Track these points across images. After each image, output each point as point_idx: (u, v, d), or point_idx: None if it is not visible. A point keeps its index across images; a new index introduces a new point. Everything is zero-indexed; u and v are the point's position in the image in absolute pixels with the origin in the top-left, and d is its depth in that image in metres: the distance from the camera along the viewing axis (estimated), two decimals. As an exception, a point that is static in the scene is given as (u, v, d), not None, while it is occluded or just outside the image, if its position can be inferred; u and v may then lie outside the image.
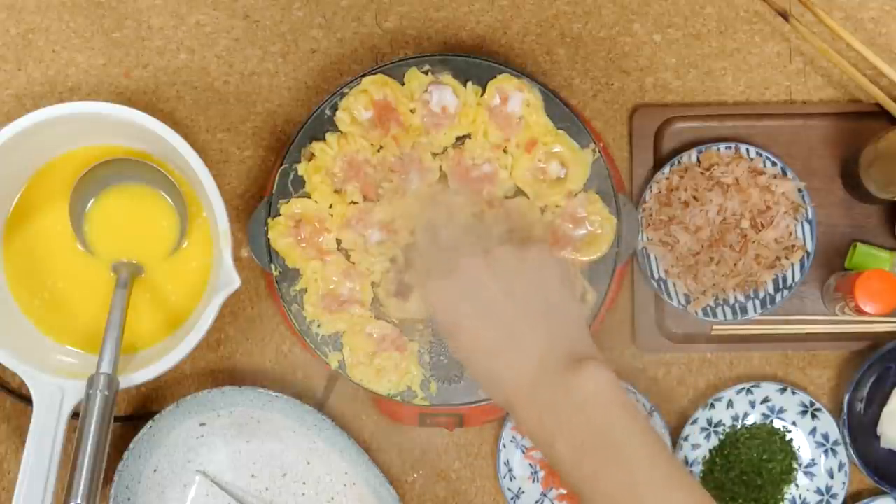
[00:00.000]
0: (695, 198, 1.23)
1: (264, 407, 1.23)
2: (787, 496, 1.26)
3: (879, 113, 1.26)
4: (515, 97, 1.15)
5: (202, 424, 1.23)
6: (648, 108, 1.28)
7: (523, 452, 1.26)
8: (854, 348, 1.27)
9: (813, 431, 1.26)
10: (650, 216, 1.24)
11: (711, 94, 1.29)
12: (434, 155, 1.16)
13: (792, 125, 1.27)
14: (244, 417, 1.23)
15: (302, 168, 1.16)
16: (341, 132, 1.16)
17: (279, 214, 1.16)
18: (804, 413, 1.26)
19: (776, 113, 1.28)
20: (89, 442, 1.08)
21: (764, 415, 1.26)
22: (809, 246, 1.23)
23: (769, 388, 1.25)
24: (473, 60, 1.16)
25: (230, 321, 1.27)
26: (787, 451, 1.26)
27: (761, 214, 1.22)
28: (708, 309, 1.24)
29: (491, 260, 0.94)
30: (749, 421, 1.26)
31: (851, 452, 1.23)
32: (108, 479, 1.20)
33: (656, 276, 1.24)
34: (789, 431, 1.26)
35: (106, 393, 1.10)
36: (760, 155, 1.23)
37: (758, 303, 1.24)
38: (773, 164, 1.23)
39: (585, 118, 1.22)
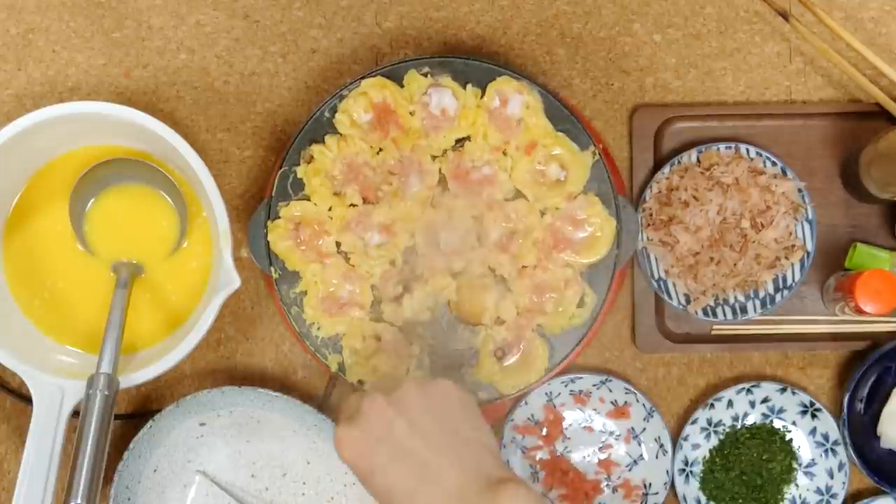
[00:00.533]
0: (695, 198, 1.23)
1: (264, 407, 1.23)
2: (787, 496, 1.27)
3: (879, 113, 1.26)
4: (515, 99, 1.15)
5: (202, 424, 1.23)
6: (648, 108, 1.28)
7: (523, 453, 1.26)
8: (854, 348, 1.27)
9: (813, 431, 1.26)
10: (650, 216, 1.24)
11: (711, 94, 1.29)
12: (434, 157, 1.16)
13: (792, 125, 1.27)
14: (244, 417, 1.24)
15: (301, 171, 1.16)
16: (341, 135, 1.16)
17: (279, 217, 1.16)
18: (804, 413, 1.26)
19: (776, 113, 1.27)
20: (89, 442, 1.08)
21: (764, 415, 1.26)
22: (809, 246, 1.23)
23: (769, 388, 1.25)
24: (473, 62, 1.16)
25: (230, 321, 1.28)
26: (787, 451, 1.26)
27: (761, 214, 1.22)
28: (708, 309, 1.24)
29: (394, 399, 0.95)
30: (749, 421, 1.26)
31: (851, 452, 1.23)
32: (108, 479, 1.20)
33: (656, 276, 1.24)
34: (789, 431, 1.26)
35: (106, 393, 1.10)
36: (760, 155, 1.23)
37: (758, 303, 1.24)
38: (773, 164, 1.23)
39: (585, 119, 1.22)
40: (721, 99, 1.29)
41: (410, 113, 1.16)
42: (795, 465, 1.27)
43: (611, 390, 1.26)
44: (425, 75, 1.16)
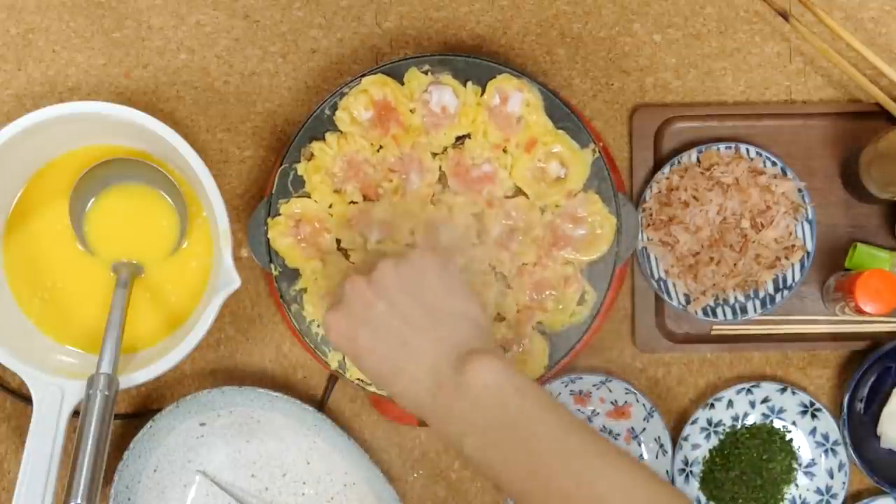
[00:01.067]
0: (695, 198, 1.23)
1: (264, 407, 1.23)
2: (787, 496, 1.26)
3: (879, 113, 1.26)
4: (515, 97, 1.15)
5: (202, 424, 1.23)
6: (648, 108, 1.28)
7: (523, 452, 1.26)
8: (854, 348, 1.27)
9: (813, 431, 1.26)
10: (650, 216, 1.24)
11: (711, 94, 1.29)
12: (434, 155, 1.16)
13: (792, 125, 1.27)
14: (244, 417, 1.23)
15: (301, 168, 1.16)
16: (341, 132, 1.16)
17: (279, 214, 1.16)
18: (804, 413, 1.26)
19: (776, 113, 1.28)
20: (89, 442, 1.08)
21: (764, 415, 1.26)
22: (809, 246, 1.24)
23: (769, 388, 1.25)
24: (473, 60, 1.16)
25: (230, 321, 1.28)
26: (787, 451, 1.26)
27: (761, 214, 1.22)
28: (708, 309, 1.24)
29: (372, 279, 0.98)
30: (749, 421, 1.26)
31: (851, 452, 1.23)
32: (108, 479, 1.20)
33: (656, 276, 1.24)
34: (789, 431, 1.26)
35: (106, 393, 1.10)
36: (760, 155, 1.23)
37: (758, 303, 1.24)
38: (773, 164, 1.23)
39: (585, 118, 1.22)
40: (721, 99, 1.29)
41: (411, 110, 1.16)
42: (795, 465, 1.26)
43: (611, 390, 1.25)
44: (426, 73, 1.16)
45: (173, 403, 1.20)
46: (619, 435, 1.27)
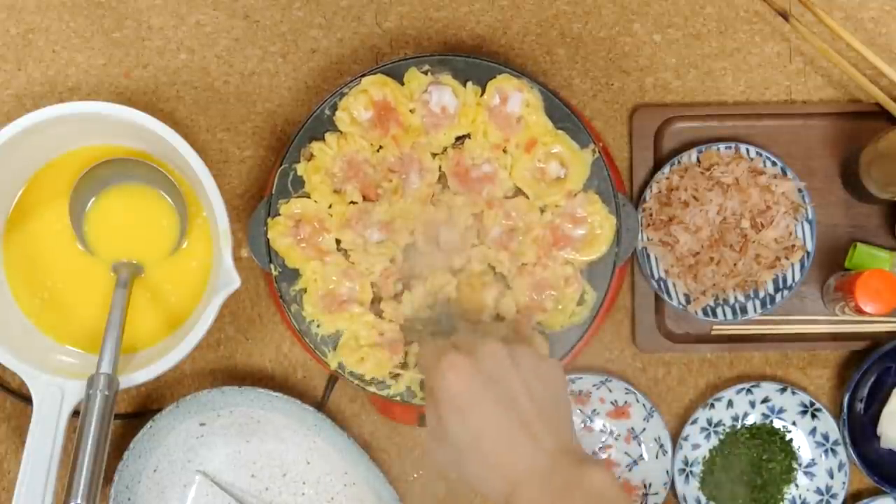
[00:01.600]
0: (695, 198, 1.23)
1: (264, 407, 1.23)
2: (787, 496, 1.26)
3: (879, 113, 1.26)
4: (515, 97, 1.15)
5: (202, 424, 1.23)
6: (648, 108, 1.28)
7: (523, 452, 1.26)
8: (854, 348, 1.27)
9: (813, 431, 1.26)
10: (650, 216, 1.24)
11: (711, 94, 1.29)
12: (434, 155, 1.16)
13: (792, 125, 1.27)
14: (244, 417, 1.23)
15: (301, 168, 1.16)
16: (341, 132, 1.16)
17: (279, 214, 1.16)
18: (804, 413, 1.26)
19: (776, 113, 1.27)
20: (89, 442, 1.08)
21: (764, 415, 1.26)
22: (809, 246, 1.23)
23: (769, 388, 1.25)
24: (473, 60, 1.16)
25: (230, 321, 1.28)
26: (787, 451, 1.26)
27: (761, 214, 1.22)
28: (708, 309, 1.24)
29: (515, 355, 0.97)
30: (749, 421, 1.26)
31: (851, 452, 1.23)
32: (108, 479, 1.20)
33: (656, 276, 1.24)
34: (789, 431, 1.26)
35: (106, 393, 1.10)
36: (760, 155, 1.23)
37: (758, 303, 1.24)
38: (773, 164, 1.23)
39: (585, 118, 1.22)
40: (721, 99, 1.29)
41: (411, 110, 1.16)
42: (795, 465, 1.26)
43: (611, 390, 1.26)
44: (426, 73, 1.16)
45: (173, 403, 1.20)
46: (619, 435, 1.27)
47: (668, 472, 1.25)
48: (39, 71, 1.28)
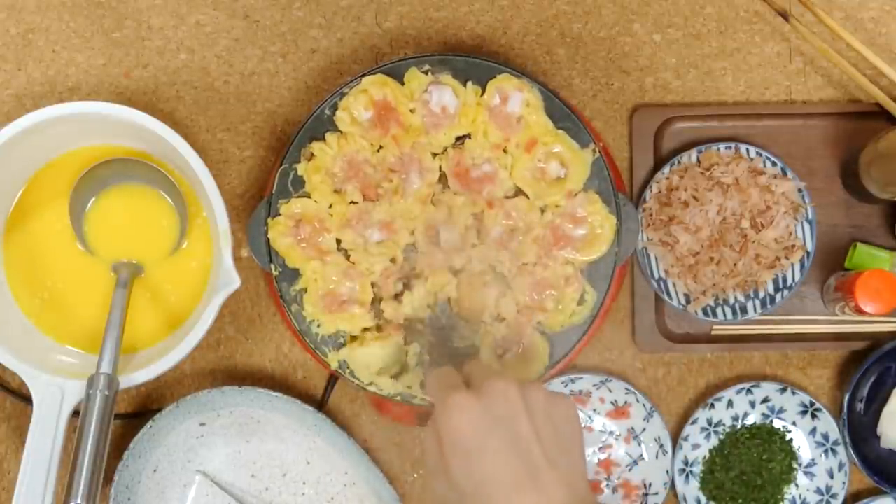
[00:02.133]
0: (695, 198, 1.23)
1: (264, 407, 1.23)
2: (787, 496, 1.26)
3: (879, 113, 1.26)
4: (515, 97, 1.15)
5: (202, 424, 1.23)
6: (648, 108, 1.28)
7: (523, 452, 1.26)
8: (854, 348, 1.27)
9: (813, 431, 1.26)
10: (650, 216, 1.24)
11: (711, 94, 1.29)
12: (434, 155, 1.16)
13: (792, 125, 1.27)
14: (244, 417, 1.23)
15: (302, 168, 1.16)
16: (341, 132, 1.16)
17: (279, 214, 1.16)
18: (804, 413, 1.26)
19: (776, 113, 1.27)
20: (89, 442, 1.08)
21: (764, 415, 1.26)
22: (809, 246, 1.24)
23: (769, 388, 1.25)
24: (473, 60, 1.16)
25: (230, 321, 1.28)
26: (787, 451, 1.26)
27: (761, 214, 1.22)
28: (708, 309, 1.24)
29: (527, 395, 0.92)
30: (749, 421, 1.26)
31: (851, 452, 1.23)
32: (108, 479, 1.20)
33: (656, 276, 1.24)
34: (789, 431, 1.26)
35: (106, 393, 1.10)
36: (760, 155, 1.23)
37: (758, 303, 1.24)
38: (773, 164, 1.23)
39: (585, 118, 1.22)
40: (721, 99, 1.29)
41: (411, 110, 1.16)
42: (795, 465, 1.26)
43: (611, 390, 1.26)
44: (426, 73, 1.16)
45: (173, 403, 1.20)
46: (619, 435, 1.27)
47: (668, 472, 1.25)
48: (39, 71, 1.28)
